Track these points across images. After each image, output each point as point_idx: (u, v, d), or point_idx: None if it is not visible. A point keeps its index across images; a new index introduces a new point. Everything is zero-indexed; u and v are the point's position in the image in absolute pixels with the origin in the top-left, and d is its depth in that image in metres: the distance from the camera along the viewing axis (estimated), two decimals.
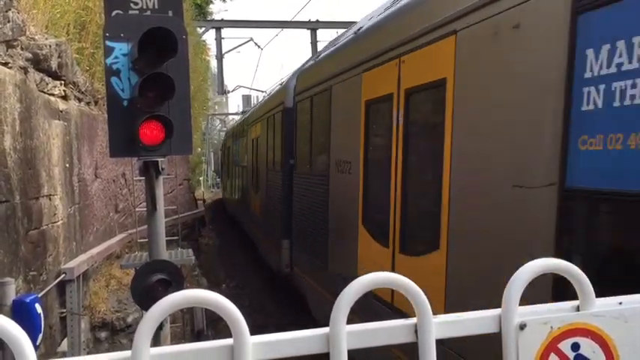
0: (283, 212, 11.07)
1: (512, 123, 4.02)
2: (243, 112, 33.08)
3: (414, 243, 5.58)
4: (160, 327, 5.30)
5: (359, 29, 8.27)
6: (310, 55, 28.65)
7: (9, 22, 6.02)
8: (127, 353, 1.24)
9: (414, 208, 5.66)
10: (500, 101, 4.20)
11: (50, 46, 7.08)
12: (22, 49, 6.50)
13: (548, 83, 3.58)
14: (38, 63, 6.86)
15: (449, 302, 4.65)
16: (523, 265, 1.49)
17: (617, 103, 3.04)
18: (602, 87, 3.17)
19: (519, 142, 3.90)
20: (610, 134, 3.08)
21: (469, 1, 4.55)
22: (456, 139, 4.71)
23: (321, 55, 10.39)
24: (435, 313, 1.42)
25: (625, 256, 3.04)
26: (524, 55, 3.93)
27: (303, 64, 12.24)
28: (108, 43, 4.96)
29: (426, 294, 1.42)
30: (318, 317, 8.84)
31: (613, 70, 3.10)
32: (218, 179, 43.20)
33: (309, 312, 9.48)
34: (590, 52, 3.25)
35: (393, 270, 5.74)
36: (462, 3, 4.67)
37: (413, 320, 1.42)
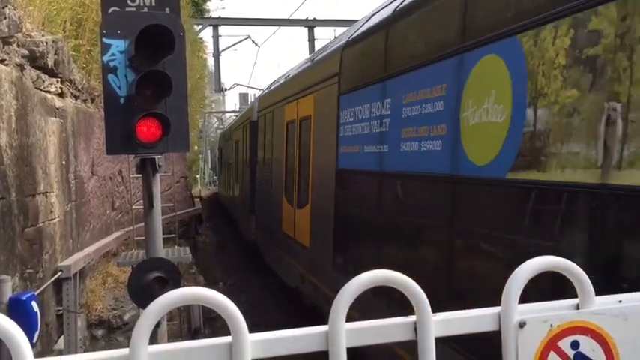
0: (250, 196, 15.74)
1: (329, 141, 7.91)
2: (239, 112, 33.39)
3: (301, 202, 9.69)
4: (157, 325, 5.29)
5: (287, 76, 13.36)
6: (308, 53, 28.65)
7: (5, 18, 5.99)
8: (125, 351, 1.23)
9: (302, 182, 9.78)
10: (326, 130, 8.19)
11: (47, 44, 7.05)
12: (18, 46, 6.47)
13: (335, 124, 7.67)
14: (35, 60, 6.83)
15: (311, 229, 8.97)
16: (523, 262, 1.49)
17: (347, 134, 7.23)
18: (343, 127, 7.35)
19: (330, 149, 7.81)
20: (346, 146, 7.29)
21: (317, 79, 8.95)
22: (315, 146, 8.89)
23: (271, 88, 15.34)
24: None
25: (355, 195, 7.23)
26: (331, 110, 7.89)
27: (264, 90, 17.76)
28: (105, 40, 4.94)
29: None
30: (269, 262, 13.38)
31: (344, 120, 7.32)
32: (215, 177, 43.16)
33: (264, 260, 13.99)
34: (342, 112, 7.45)
35: (294, 217, 10.15)
36: (315, 79, 9.12)
37: (412, 318, 1.42)
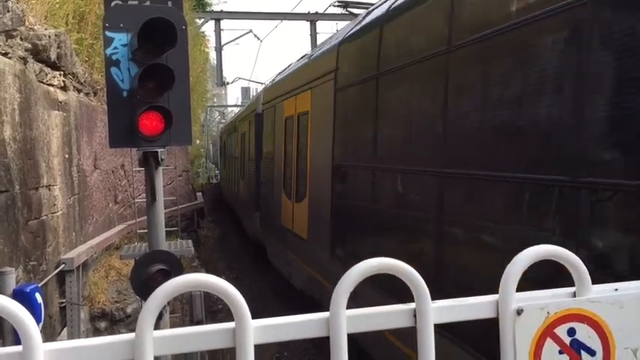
0: (223, 177, 31.72)
1: (236, 148, 22.71)
2: (241, 106, 34.36)
3: (229, 170, 26.19)
4: (160, 316, 5.33)
5: (227, 121, 37.01)
6: (310, 47, 28.68)
7: (8, 11, 6.01)
8: (131, 335, 1.26)
9: (230, 164, 25.59)
10: (231, 146, 25.31)
11: (49, 37, 7.07)
12: (21, 39, 6.49)
13: (219, 146, 37.25)
14: (37, 53, 6.85)
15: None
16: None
17: (228, 148, 27.43)
18: (226, 145, 29.64)
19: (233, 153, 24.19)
20: (228, 150, 27.49)
21: (228, 128, 28.92)
22: (232, 150, 23.52)
23: (223, 126, 36.67)
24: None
25: (231, 163, 24.54)
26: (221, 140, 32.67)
27: (224, 126, 35.90)
28: (107, 33, 4.95)
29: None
30: (225, 199, 27.25)
31: (228, 144, 28.47)
32: (217, 171, 43.19)
33: (224, 199, 27.63)
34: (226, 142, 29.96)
35: (230, 176, 23.89)
36: (230, 126, 27.27)
37: (412, 305, 1.44)
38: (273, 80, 15.00)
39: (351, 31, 7.83)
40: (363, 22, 7.49)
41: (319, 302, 8.49)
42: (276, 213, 11.60)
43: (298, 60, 13.01)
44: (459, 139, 4.79)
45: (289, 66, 14.21)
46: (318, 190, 8.71)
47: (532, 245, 1.51)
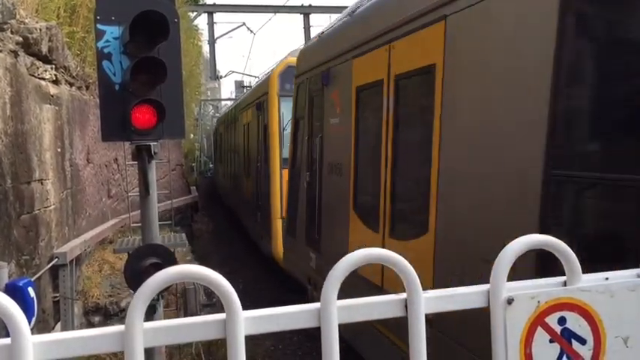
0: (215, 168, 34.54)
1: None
2: (234, 99, 34.60)
3: (222, 161, 29.49)
4: (154, 310, 5.33)
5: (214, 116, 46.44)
6: (303, 40, 28.68)
7: None
8: (121, 327, 1.25)
9: (219, 151, 31.84)
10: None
11: (41, 30, 7.02)
12: (12, 32, 6.44)
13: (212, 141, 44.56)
14: (29, 47, 6.80)
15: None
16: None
17: (218, 142, 33.73)
18: (216, 139, 36.46)
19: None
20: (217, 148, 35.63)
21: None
22: (231, 144, 24.56)
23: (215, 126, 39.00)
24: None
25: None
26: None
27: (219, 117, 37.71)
28: (99, 26, 4.92)
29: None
30: (217, 182, 32.05)
31: (217, 140, 35.38)
32: (211, 165, 43.03)
33: (214, 179, 33.31)
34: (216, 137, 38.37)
35: (221, 165, 29.04)
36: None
37: (403, 295, 1.44)
38: (220, 113, 31.19)
39: (229, 107, 24.66)
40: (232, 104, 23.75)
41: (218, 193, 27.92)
42: (223, 172, 25.55)
43: (232, 104, 25.92)
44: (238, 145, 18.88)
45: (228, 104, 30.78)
46: (227, 160, 21.87)
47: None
